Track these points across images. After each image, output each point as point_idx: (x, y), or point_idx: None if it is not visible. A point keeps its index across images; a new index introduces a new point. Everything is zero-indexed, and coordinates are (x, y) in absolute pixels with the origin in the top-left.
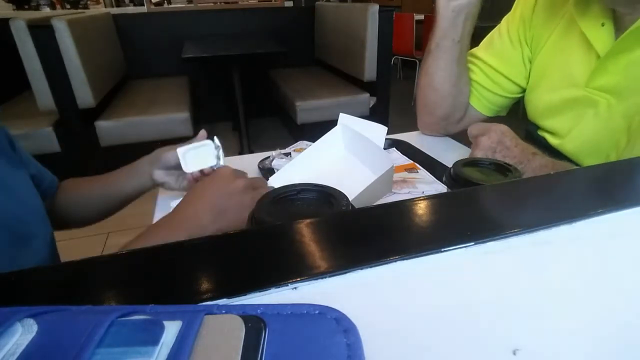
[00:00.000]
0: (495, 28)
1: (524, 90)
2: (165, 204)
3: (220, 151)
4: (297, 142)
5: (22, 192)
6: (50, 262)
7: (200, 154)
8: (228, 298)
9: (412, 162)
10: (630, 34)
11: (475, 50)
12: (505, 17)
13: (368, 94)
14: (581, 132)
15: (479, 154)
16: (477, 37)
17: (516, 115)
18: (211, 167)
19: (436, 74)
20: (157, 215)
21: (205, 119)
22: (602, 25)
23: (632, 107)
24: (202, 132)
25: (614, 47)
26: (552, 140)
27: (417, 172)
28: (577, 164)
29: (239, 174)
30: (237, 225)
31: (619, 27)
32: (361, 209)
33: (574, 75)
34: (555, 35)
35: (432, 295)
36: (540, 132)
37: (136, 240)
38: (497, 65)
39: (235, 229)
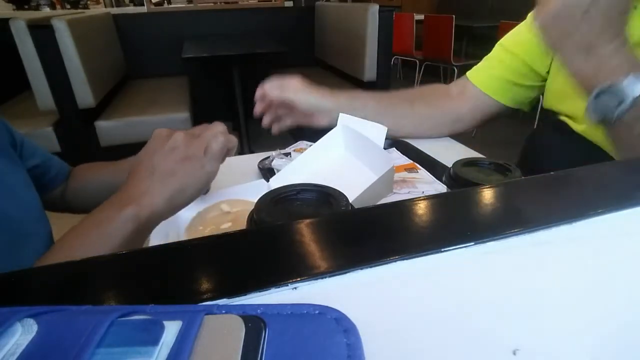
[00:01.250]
0: (524, 21)
1: (544, 81)
2: None
3: None
4: (297, 142)
5: (20, 190)
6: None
7: None
8: (228, 298)
9: (412, 162)
10: None
11: (501, 40)
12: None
13: None
14: None
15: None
16: (478, 37)
17: (517, 115)
18: None
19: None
20: None
21: (205, 119)
22: (635, 8)
23: None
24: None
25: None
26: (575, 126)
27: (417, 172)
28: (604, 151)
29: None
30: (195, 181)
31: None
32: (361, 209)
33: None
34: None
35: (432, 295)
36: (562, 118)
37: (82, 224)
38: (521, 53)
39: (196, 185)
